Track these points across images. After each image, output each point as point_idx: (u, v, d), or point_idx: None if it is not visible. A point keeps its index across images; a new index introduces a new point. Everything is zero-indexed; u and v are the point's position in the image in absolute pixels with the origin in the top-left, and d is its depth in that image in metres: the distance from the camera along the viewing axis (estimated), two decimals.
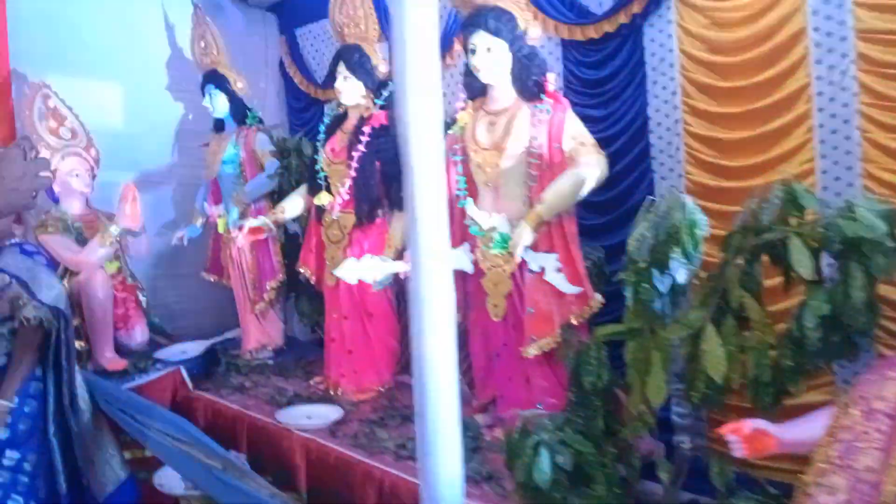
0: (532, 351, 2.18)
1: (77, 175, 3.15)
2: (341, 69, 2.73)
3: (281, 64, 4.38)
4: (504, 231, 2.25)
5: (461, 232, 2.45)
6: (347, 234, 2.79)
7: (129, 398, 2.46)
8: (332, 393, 2.87)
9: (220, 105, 3.44)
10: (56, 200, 3.18)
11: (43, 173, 1.35)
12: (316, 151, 2.92)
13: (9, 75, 3.36)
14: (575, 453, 1.76)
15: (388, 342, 2.87)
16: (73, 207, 3.19)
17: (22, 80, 3.37)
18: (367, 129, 2.71)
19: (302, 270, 3.07)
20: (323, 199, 2.82)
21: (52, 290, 2.10)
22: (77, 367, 2.32)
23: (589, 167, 2.13)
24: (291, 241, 3.53)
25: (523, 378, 2.28)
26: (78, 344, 3.01)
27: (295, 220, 3.34)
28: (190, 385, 2.98)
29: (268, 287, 3.42)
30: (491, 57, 2.19)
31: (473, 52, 2.22)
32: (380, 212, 2.77)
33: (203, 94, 3.50)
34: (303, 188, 3.06)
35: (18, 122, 3.31)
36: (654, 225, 1.77)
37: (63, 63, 3.52)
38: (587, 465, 1.77)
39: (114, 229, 2.94)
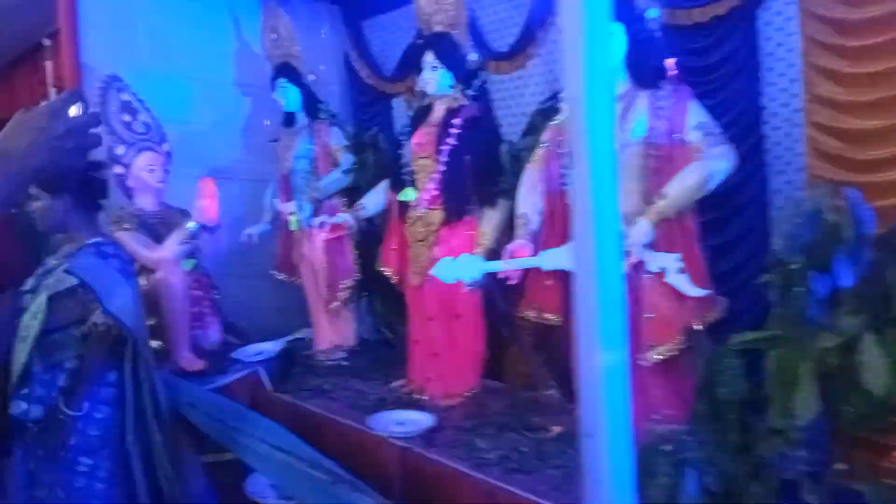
0: (651, 358, 2.03)
1: (152, 170, 3.08)
2: (429, 59, 2.60)
3: (345, 57, 4.28)
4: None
5: (567, 230, 2.30)
6: (434, 232, 2.66)
7: (215, 401, 2.38)
8: (417, 397, 2.75)
9: (291, 99, 3.34)
10: (130, 196, 3.12)
11: (93, 130, 1.17)
12: (399, 146, 2.79)
13: (79, 69, 3.31)
14: (720, 473, 1.61)
15: (476, 345, 2.73)
16: (147, 203, 3.12)
17: (91, 73, 3.32)
18: (457, 121, 2.57)
19: (383, 270, 2.95)
20: (408, 195, 2.69)
21: (119, 299, 2.02)
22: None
23: (716, 159, 1.96)
24: (364, 239, 3.42)
25: (638, 387, 2.12)
26: (155, 343, 2.94)
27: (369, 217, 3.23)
28: (269, 386, 2.88)
29: (343, 286, 3.31)
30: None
31: None
32: (469, 208, 2.64)
33: (273, 88, 3.40)
34: (384, 184, 2.94)
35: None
36: (807, 221, 1.60)
37: (131, 57, 3.47)
38: (735, 487, 1.61)
39: (191, 225, 2.86)
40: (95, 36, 3.36)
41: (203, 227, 2.89)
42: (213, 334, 3.22)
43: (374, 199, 2.92)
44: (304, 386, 2.95)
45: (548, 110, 2.40)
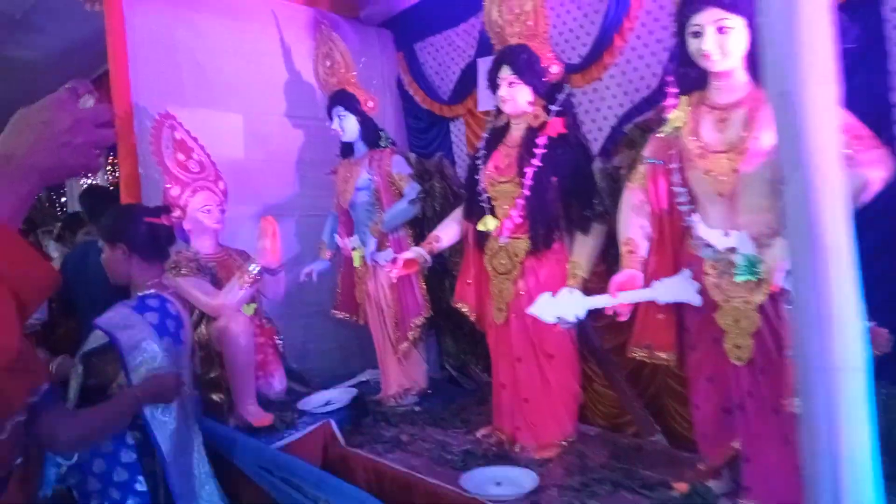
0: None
1: (208, 210, 2.91)
2: (505, 74, 2.36)
3: (398, 83, 4.10)
4: (747, 252, 1.80)
5: (677, 256, 2.02)
6: (519, 264, 2.40)
7: (292, 465, 2.13)
8: (507, 448, 2.47)
9: (349, 127, 3.14)
10: (186, 240, 2.94)
11: (104, 123, 0.99)
12: (474, 171, 2.55)
13: (131, 109, 3.18)
14: None
15: (571, 387, 2.45)
16: (205, 246, 2.93)
17: (143, 113, 3.17)
18: (541, 140, 2.32)
19: (459, 306, 2.69)
20: (488, 224, 2.44)
21: (145, 365, 1.84)
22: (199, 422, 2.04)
23: (871, 167, 1.67)
24: (430, 273, 3.18)
25: (779, 436, 1.81)
26: (217, 396, 2.74)
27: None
28: (342, 440, 2.63)
29: (412, 325, 3.06)
30: (727, 38, 1.77)
31: (699, 34, 1.80)
32: (557, 235, 2.37)
33: (330, 118, 3.21)
34: (457, 213, 2.70)
35: (141, 157, 3.11)
36: None
37: (181, 94, 3.33)
38: None
39: (253, 268, 2.65)
40: (145, 75, 3.22)
41: (265, 269, 2.69)
42: (277, 383, 3.00)
43: (448, 230, 2.67)
44: (378, 438, 2.69)
45: (648, 123, 2.13)
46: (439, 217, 3.00)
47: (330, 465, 2.56)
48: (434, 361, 3.46)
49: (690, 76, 1.93)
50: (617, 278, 1.96)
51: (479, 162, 2.52)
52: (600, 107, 3.03)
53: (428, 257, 2.60)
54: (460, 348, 3.22)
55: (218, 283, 2.82)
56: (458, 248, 2.82)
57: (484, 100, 3.44)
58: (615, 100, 2.94)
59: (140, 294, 2.02)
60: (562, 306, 1.99)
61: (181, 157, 2.94)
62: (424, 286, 3.07)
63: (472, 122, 3.64)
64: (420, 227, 3.10)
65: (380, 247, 3.11)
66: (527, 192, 2.33)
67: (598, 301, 1.98)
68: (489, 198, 2.47)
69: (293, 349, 3.40)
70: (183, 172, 2.90)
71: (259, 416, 2.63)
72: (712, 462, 2.03)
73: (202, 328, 2.76)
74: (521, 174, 2.34)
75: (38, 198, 3.37)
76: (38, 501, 1.54)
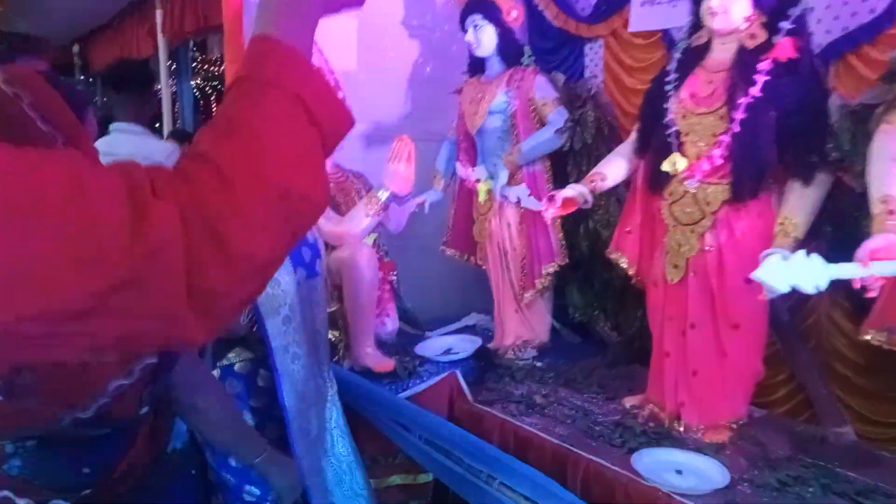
0: None
1: None
2: None
3: None
4: None
5: None
6: (711, 214, 2.01)
7: (454, 435, 1.83)
8: (667, 426, 2.14)
9: (486, 40, 2.71)
10: None
11: None
12: (661, 98, 2.12)
13: (241, 9, 2.79)
14: None
15: (753, 364, 2.08)
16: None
17: (251, 9, 2.79)
18: (763, 64, 1.88)
19: (614, 258, 2.32)
20: (677, 163, 2.03)
21: (277, 300, 1.58)
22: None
23: None
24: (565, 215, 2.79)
25: None
26: (332, 334, 2.45)
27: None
28: (469, 395, 2.33)
29: (543, 272, 2.71)
30: None
31: None
32: (766, 183, 1.96)
33: (463, 28, 2.78)
34: (625, 147, 2.30)
35: None
36: None
37: None
38: None
39: (382, 194, 2.31)
40: None
41: (394, 197, 2.34)
42: (391, 323, 2.70)
43: (616, 167, 2.27)
44: (508, 396, 2.39)
45: None
46: (589, 151, 2.60)
47: (457, 423, 2.27)
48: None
49: None
50: (871, 244, 1.56)
51: (668, 88, 2.09)
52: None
53: (589, 197, 2.22)
54: (587, 302, 2.86)
55: (336, 209, 2.49)
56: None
57: (639, 18, 2.97)
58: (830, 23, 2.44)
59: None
60: (798, 272, 1.60)
61: None
62: (561, 230, 2.70)
63: (614, 44, 3.17)
64: (561, 162, 2.71)
65: (511, 180, 2.73)
66: (736, 128, 1.91)
67: (846, 270, 1.58)
68: (678, 132, 2.06)
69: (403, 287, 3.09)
70: None
71: (380, 361, 2.34)
72: None
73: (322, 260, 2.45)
74: (731, 105, 1.92)
75: None
76: (166, 455, 1.26)
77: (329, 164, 2.58)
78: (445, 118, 3.15)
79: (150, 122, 2.75)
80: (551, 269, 2.70)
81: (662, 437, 2.08)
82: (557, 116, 2.61)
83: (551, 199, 2.19)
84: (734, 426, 2.10)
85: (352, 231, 2.32)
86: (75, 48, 7.15)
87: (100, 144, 2.76)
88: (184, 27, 5.08)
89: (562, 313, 3.02)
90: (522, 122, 2.70)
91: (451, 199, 3.12)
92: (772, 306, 2.09)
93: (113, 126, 2.73)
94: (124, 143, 2.66)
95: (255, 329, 1.61)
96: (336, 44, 3.01)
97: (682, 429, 2.11)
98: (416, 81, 3.37)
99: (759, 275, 1.64)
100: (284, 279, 1.59)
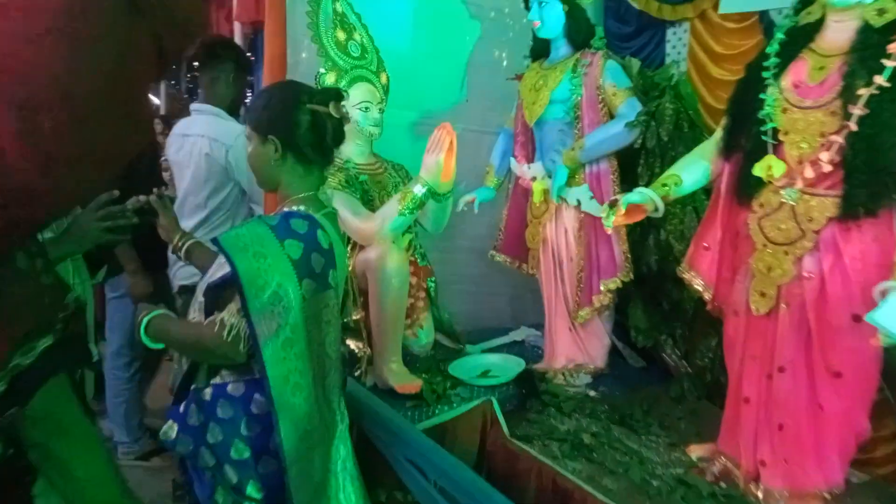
0: None
1: (366, 108, 2.27)
2: None
3: None
4: None
5: None
6: (813, 232, 1.61)
7: (455, 470, 1.53)
8: (742, 487, 1.76)
9: (552, 19, 2.37)
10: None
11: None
12: (755, 87, 1.73)
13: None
14: None
15: (856, 420, 1.67)
16: (357, 154, 2.32)
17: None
18: (895, 47, 1.47)
19: (686, 277, 1.95)
20: (773, 168, 1.65)
21: (277, 317, 1.36)
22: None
23: None
24: (631, 224, 2.42)
25: None
26: (354, 345, 2.18)
27: None
28: (505, 428, 2.01)
29: (603, 288, 2.36)
30: None
31: None
32: (888, 198, 1.55)
33: (527, 5, 2.45)
34: (706, 147, 1.92)
35: (290, 34, 2.50)
36: None
37: None
38: None
39: (419, 189, 2.02)
40: None
41: (432, 193, 2.05)
42: (425, 335, 2.41)
43: (694, 170, 1.89)
44: (551, 431, 2.05)
45: None
46: (664, 150, 2.23)
47: (489, 460, 1.96)
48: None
49: None
50: None
51: (766, 75, 1.70)
52: None
53: (661, 204, 1.85)
54: (653, 325, 2.48)
55: (369, 203, 2.22)
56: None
57: None
58: None
59: (285, 210, 1.43)
60: None
61: (341, 35, 2.30)
62: (626, 240, 2.33)
63: (701, 28, 2.75)
64: (631, 161, 2.34)
65: (571, 180, 2.39)
66: (852, 127, 1.51)
67: None
68: (775, 130, 1.67)
69: (440, 293, 2.80)
70: (342, 56, 2.27)
71: (405, 381, 2.06)
72: None
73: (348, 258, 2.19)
74: (848, 98, 1.52)
75: None
76: None
77: (365, 152, 2.32)
78: (504, 108, 2.83)
79: (233, 104, 2.58)
80: (612, 285, 2.34)
81: (735, 502, 1.70)
82: (629, 108, 2.24)
83: (614, 204, 1.83)
84: (827, 496, 1.70)
85: (381, 229, 2.04)
86: None
87: (179, 125, 2.61)
88: (257, 15, 4.94)
89: (624, 332, 2.65)
90: (588, 114, 2.35)
91: (504, 199, 2.80)
92: (885, 353, 1.68)
93: (192, 106, 2.60)
94: (198, 123, 2.52)
95: (253, 357, 1.34)
96: (387, 22, 2.75)
97: (760, 494, 1.72)
98: (474, 66, 3.06)
99: (876, 317, 1.26)
100: (288, 293, 1.32)
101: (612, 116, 2.31)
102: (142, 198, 1.74)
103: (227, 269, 1.30)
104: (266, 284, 1.30)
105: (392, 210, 2.03)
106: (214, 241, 1.32)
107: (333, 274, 1.43)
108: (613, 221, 1.84)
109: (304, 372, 1.37)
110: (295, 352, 1.35)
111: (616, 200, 1.83)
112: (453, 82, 3.04)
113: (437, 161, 2.00)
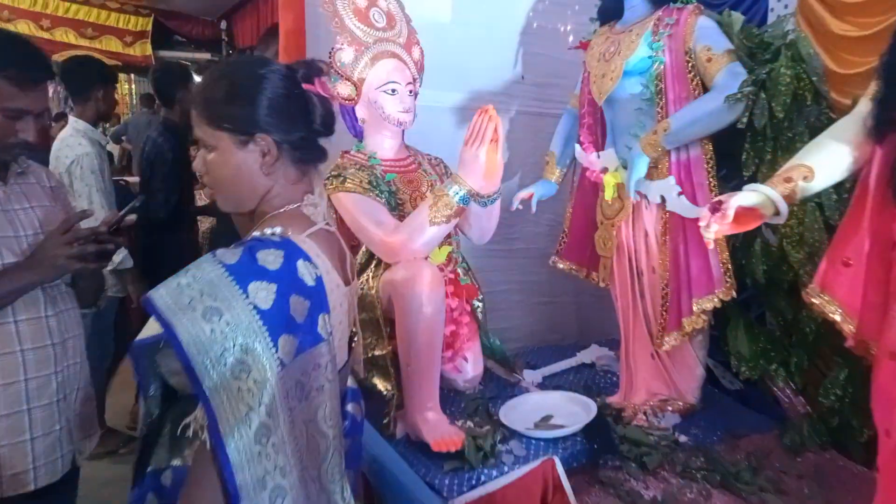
0: None
1: (393, 90, 1.83)
2: None
3: None
4: None
5: None
6: None
7: None
8: None
9: None
10: (359, 134, 1.92)
11: None
12: None
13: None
14: None
15: None
16: (384, 147, 1.90)
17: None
18: None
19: (817, 303, 1.43)
20: None
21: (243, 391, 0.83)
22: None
23: None
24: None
25: None
26: (381, 385, 1.77)
27: None
28: (571, 496, 1.56)
29: (696, 308, 1.86)
30: None
31: None
32: None
33: None
34: (846, 126, 1.39)
35: (308, 6, 2.10)
36: None
37: None
38: None
39: (455, 191, 1.58)
40: None
41: (473, 196, 1.60)
42: (472, 367, 1.97)
43: (833, 159, 1.37)
44: (632, 500, 1.59)
45: None
46: (778, 131, 1.71)
47: None
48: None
49: None
50: None
51: None
52: None
53: (783, 207, 1.34)
54: (759, 353, 1.96)
55: (399, 207, 1.80)
56: None
57: None
58: None
59: (254, 236, 1.01)
60: None
61: (362, 3, 1.87)
62: (726, 247, 1.83)
63: None
64: (732, 146, 1.83)
65: (652, 172, 1.89)
66: None
67: None
68: None
69: (490, 308, 2.34)
70: (361, 27, 1.84)
71: (442, 434, 1.62)
72: None
73: (367, 276, 1.77)
74: None
75: None
76: None
77: (394, 145, 1.89)
78: (567, 85, 2.35)
79: None
80: (708, 305, 1.84)
81: None
82: (729, 77, 1.72)
83: (717, 208, 1.34)
84: None
85: (409, 242, 1.61)
86: (222, 24, 7.06)
87: None
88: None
89: (716, 346, 2.14)
90: (674, 87, 1.85)
91: (569, 194, 2.33)
92: None
93: None
94: None
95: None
96: None
97: None
98: (530, 35, 2.57)
99: None
100: (258, 360, 0.90)
101: (706, 89, 1.80)
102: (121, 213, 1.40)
103: (155, 331, 0.91)
104: (225, 352, 0.89)
105: (421, 219, 1.60)
106: (145, 300, 0.91)
107: (325, 319, 1.01)
108: (716, 232, 1.34)
109: (286, 469, 0.95)
110: (273, 442, 0.93)
111: (720, 203, 1.34)
112: (505, 55, 2.56)
113: (477, 155, 1.56)
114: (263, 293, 0.92)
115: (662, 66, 1.85)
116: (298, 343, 0.95)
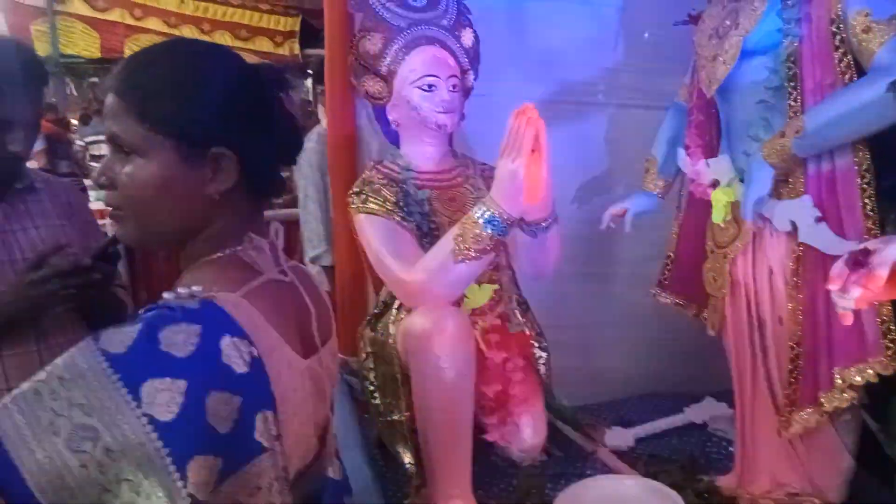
0: None
1: (430, 87, 1.46)
2: None
3: None
4: None
5: None
6: None
7: None
8: None
9: None
10: (395, 140, 1.57)
11: None
12: None
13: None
14: None
15: None
16: (424, 155, 1.53)
17: None
18: None
19: None
20: None
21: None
22: None
23: None
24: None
25: None
26: (404, 455, 1.41)
27: None
28: None
29: (840, 379, 1.32)
30: None
31: None
32: None
33: None
34: None
35: None
36: None
37: None
38: None
39: (480, 215, 1.19)
40: None
41: (513, 222, 1.20)
42: (531, 433, 1.54)
43: None
44: None
45: None
46: None
47: None
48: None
49: None
50: None
51: None
52: None
53: None
54: None
55: (433, 233, 1.43)
56: None
57: None
58: None
59: (161, 303, 0.67)
60: None
61: None
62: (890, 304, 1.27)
63: None
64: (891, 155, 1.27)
65: (780, 188, 1.38)
66: None
67: None
68: None
69: (560, 350, 1.86)
70: (392, 7, 1.49)
71: None
72: None
73: (388, 319, 1.42)
74: None
75: None
76: None
77: (435, 153, 1.53)
78: (678, 71, 1.86)
79: None
80: (858, 378, 1.30)
81: None
82: (893, 54, 1.18)
83: (862, 260, 0.84)
84: None
85: (428, 285, 1.25)
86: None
87: None
88: None
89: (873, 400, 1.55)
90: (814, 71, 1.32)
91: (675, 212, 1.84)
92: None
93: None
94: None
95: None
96: None
97: None
98: (631, 11, 2.09)
99: None
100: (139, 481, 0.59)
101: (859, 73, 1.26)
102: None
103: None
104: (105, 496, 0.59)
105: (444, 254, 1.23)
106: None
107: (268, 419, 0.67)
108: (858, 300, 0.85)
109: None
110: None
111: (867, 253, 0.84)
112: (599, 37, 2.10)
113: (514, 170, 1.15)
114: (164, 396, 0.60)
115: (797, 43, 1.33)
116: (222, 464, 0.62)
